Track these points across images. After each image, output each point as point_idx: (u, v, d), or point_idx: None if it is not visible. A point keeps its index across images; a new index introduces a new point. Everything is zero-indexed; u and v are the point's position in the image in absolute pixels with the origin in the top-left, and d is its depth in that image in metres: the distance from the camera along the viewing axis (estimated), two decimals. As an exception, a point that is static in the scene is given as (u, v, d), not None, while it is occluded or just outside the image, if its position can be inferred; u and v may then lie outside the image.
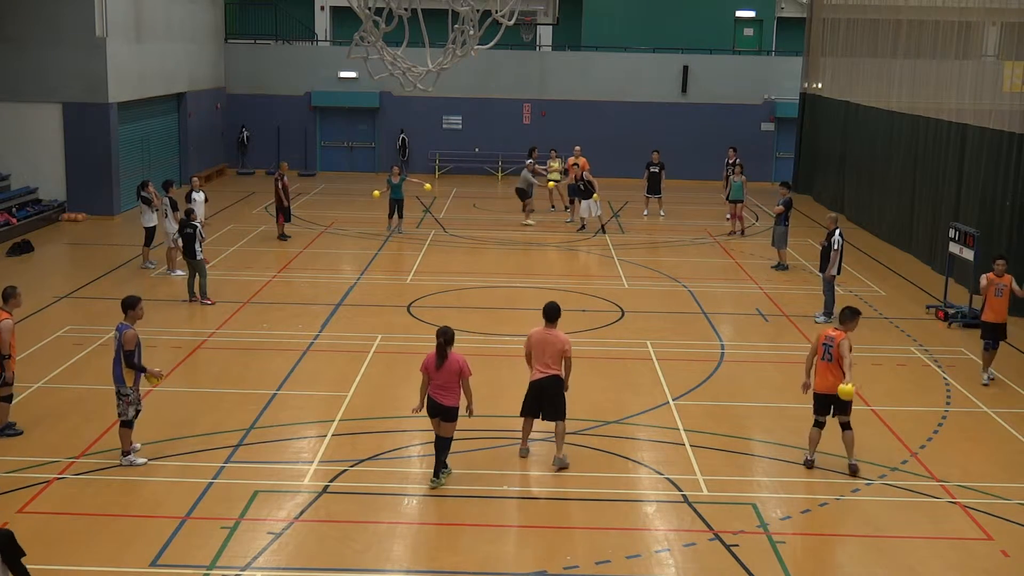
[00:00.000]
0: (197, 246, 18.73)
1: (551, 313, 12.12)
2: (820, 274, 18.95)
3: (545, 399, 11.92)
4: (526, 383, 14.93)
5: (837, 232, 18.52)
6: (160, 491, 11.23)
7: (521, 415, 12.20)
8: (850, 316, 12.20)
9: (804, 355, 16.53)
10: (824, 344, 12.02)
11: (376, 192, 25.95)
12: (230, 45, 36.98)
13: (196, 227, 18.92)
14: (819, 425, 12.15)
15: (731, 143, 34.18)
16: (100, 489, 11.25)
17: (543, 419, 12.06)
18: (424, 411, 11.47)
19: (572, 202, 28.28)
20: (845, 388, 11.72)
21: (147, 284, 20.29)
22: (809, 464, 12.14)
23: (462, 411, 11.43)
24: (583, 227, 26.52)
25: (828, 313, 18.56)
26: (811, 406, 14.29)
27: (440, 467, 11.50)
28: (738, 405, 14.37)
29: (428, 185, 27.92)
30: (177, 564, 9.71)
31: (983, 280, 15.68)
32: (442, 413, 11.32)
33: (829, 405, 12.02)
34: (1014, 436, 13.50)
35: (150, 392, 13.20)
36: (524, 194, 27.93)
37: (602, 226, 26.40)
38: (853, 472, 11.89)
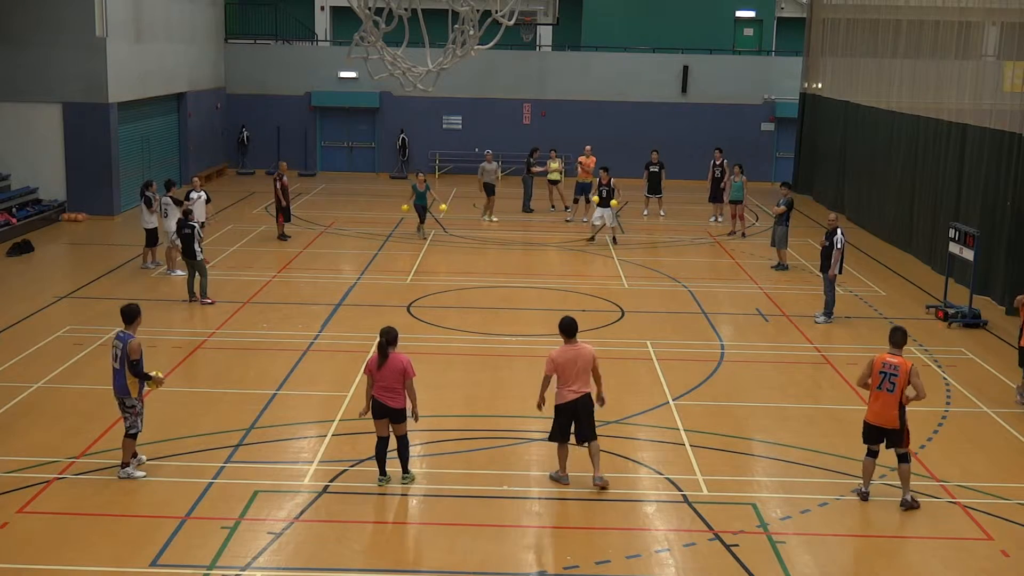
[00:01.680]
0: (196, 246, 18.72)
1: (571, 328, 11.33)
2: (821, 274, 18.92)
3: (580, 419, 11.31)
4: (526, 382, 15.00)
5: (839, 231, 18.49)
6: (160, 491, 11.23)
7: (553, 440, 11.44)
8: (903, 338, 11.31)
9: (804, 355, 16.72)
10: (883, 372, 11.05)
11: (405, 206, 25.49)
12: (230, 45, 36.98)
13: (194, 227, 18.92)
14: (873, 455, 11.30)
15: (731, 143, 34.24)
16: (100, 489, 11.24)
17: (576, 442, 11.42)
18: (369, 413, 11.36)
19: (576, 200, 28.33)
20: None
21: (147, 284, 20.31)
22: (864, 496, 11.30)
23: (409, 412, 11.30)
24: (593, 238, 25.37)
25: (828, 313, 18.56)
26: (810, 406, 14.36)
27: (405, 465, 11.43)
28: (738, 405, 14.37)
29: (444, 206, 26.85)
30: (177, 564, 9.70)
31: (1018, 301, 14.86)
32: (390, 415, 11.22)
33: (881, 437, 11.20)
34: (1014, 436, 13.50)
35: (150, 392, 13.19)
36: (492, 189, 27.93)
37: (614, 236, 25.43)
38: (906, 506, 11.09)
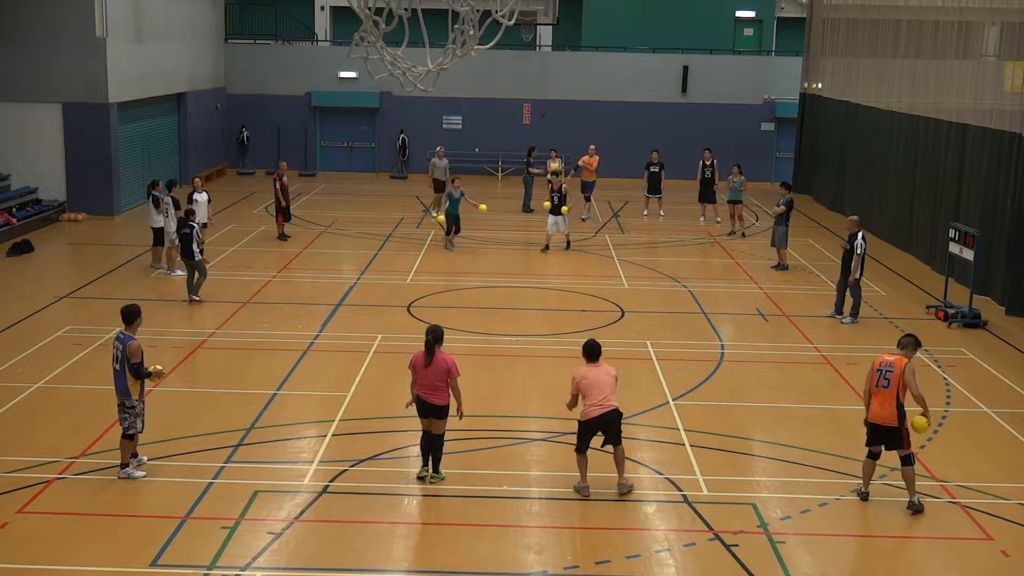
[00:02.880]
0: (194, 246, 18.69)
1: (593, 352, 11.37)
2: (841, 276, 18.73)
3: (605, 432, 11.31)
4: (526, 383, 15.04)
5: (860, 235, 18.38)
6: (160, 491, 11.23)
7: (578, 451, 11.33)
8: (912, 344, 11.28)
9: (804, 355, 16.72)
10: (880, 370, 11.03)
11: (440, 217, 24.15)
12: (230, 45, 36.98)
13: (193, 227, 18.90)
14: (873, 456, 11.25)
15: (731, 143, 34.29)
16: (100, 489, 11.24)
17: (603, 445, 11.40)
18: (414, 407, 11.50)
19: (588, 199, 28.42)
20: (921, 421, 10.97)
21: (147, 284, 20.30)
22: (864, 496, 11.29)
23: (452, 411, 11.41)
24: (547, 247, 24.00)
25: (854, 314, 18.48)
26: (810, 406, 14.36)
27: (436, 465, 11.57)
28: (738, 405, 14.37)
29: (483, 207, 25.00)
30: (177, 564, 9.70)
31: None
32: (434, 412, 11.35)
33: (882, 437, 11.11)
34: (1014, 436, 13.50)
35: (150, 392, 13.20)
36: (442, 186, 27.84)
37: (568, 242, 24.24)
38: (913, 509, 11.02)
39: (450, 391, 11.35)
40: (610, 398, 11.20)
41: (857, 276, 18.30)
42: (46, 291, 19.54)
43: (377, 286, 20.61)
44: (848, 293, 18.56)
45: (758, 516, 10.95)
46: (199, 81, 33.83)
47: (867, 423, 11.26)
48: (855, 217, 19.11)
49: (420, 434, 11.66)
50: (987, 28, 23.04)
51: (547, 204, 24.01)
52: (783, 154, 37.10)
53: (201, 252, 18.89)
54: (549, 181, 29.41)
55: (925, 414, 11.08)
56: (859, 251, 18.19)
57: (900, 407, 11.01)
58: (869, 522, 10.99)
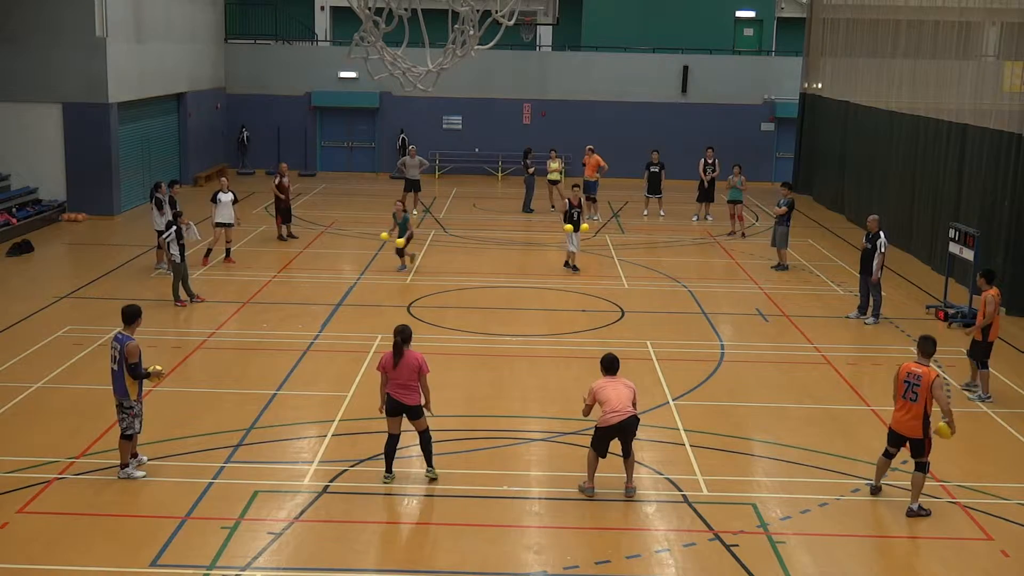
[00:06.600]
0: (173, 249, 18.57)
1: (612, 366, 11.49)
2: (860, 275, 18.76)
3: (622, 439, 11.34)
4: (526, 382, 15.05)
5: (883, 235, 18.32)
6: (160, 491, 11.23)
7: (592, 447, 11.35)
8: (931, 347, 11.19)
9: (804, 355, 16.73)
10: (907, 382, 10.97)
11: (384, 235, 21.97)
12: (230, 45, 36.99)
13: (171, 230, 18.74)
14: (889, 455, 11.33)
15: (731, 143, 34.28)
16: (100, 489, 11.24)
17: (622, 454, 11.39)
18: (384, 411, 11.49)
19: (592, 200, 28.36)
20: (945, 429, 10.94)
21: (147, 284, 20.29)
22: (875, 491, 11.41)
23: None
24: (574, 266, 22.14)
25: (876, 315, 18.52)
26: (810, 406, 14.36)
27: (429, 461, 11.59)
28: (738, 405, 14.36)
29: (384, 235, 22.00)
30: (177, 564, 9.70)
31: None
32: (407, 412, 11.36)
33: (904, 442, 11.12)
34: (1014, 436, 13.50)
35: (150, 392, 13.20)
36: (416, 185, 28.15)
37: (573, 264, 22.20)
38: (911, 515, 11.01)
39: (420, 388, 11.36)
40: (628, 406, 11.23)
41: (879, 275, 18.30)
42: (46, 291, 19.53)
43: (377, 286, 20.61)
44: (872, 293, 18.55)
45: (758, 516, 10.95)
46: (199, 81, 33.83)
47: (890, 429, 11.23)
48: (875, 216, 19.02)
49: (415, 434, 11.62)
50: (987, 28, 23.04)
51: (568, 228, 21.62)
52: (783, 154, 37.11)
53: (182, 255, 18.66)
54: (550, 182, 29.57)
55: (950, 423, 11.05)
56: (883, 249, 18.19)
57: (926, 419, 10.98)
58: (869, 522, 10.99)
